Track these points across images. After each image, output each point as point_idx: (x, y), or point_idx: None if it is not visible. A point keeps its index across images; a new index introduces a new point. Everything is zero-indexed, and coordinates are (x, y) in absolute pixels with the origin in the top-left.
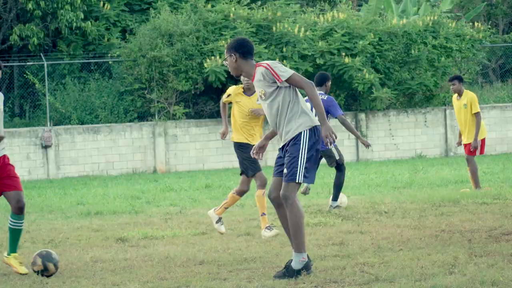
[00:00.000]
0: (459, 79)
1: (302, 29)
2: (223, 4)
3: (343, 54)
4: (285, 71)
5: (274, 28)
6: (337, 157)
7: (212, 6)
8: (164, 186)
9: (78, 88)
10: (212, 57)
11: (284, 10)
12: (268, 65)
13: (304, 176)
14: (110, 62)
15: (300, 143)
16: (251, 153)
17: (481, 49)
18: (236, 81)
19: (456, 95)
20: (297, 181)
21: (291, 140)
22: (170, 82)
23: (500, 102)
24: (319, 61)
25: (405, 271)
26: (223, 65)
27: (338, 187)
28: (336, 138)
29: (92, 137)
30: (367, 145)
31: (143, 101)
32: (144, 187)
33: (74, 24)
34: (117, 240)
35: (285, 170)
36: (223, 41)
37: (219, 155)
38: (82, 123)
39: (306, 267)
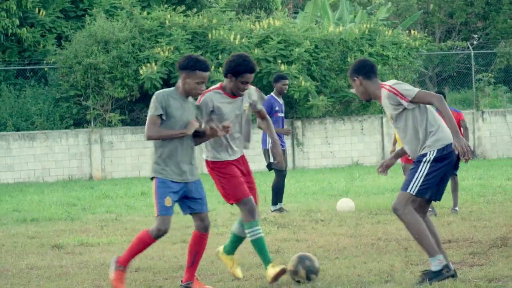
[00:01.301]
0: None
1: (238, 36)
2: (159, 11)
3: (279, 61)
4: (410, 89)
5: (209, 35)
6: (270, 160)
7: (148, 13)
8: (100, 193)
9: (13, 94)
10: (148, 64)
11: (219, 17)
12: (391, 87)
13: (419, 190)
14: (45, 69)
15: (424, 159)
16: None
17: (417, 57)
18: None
19: None
20: (409, 191)
21: (419, 156)
22: (106, 89)
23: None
24: None
25: (341, 280)
26: (158, 72)
27: (273, 191)
28: (472, 153)
29: (28, 143)
30: (287, 132)
31: (79, 108)
32: (80, 194)
33: (10, 31)
34: (53, 247)
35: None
36: (159, 48)
37: None
38: (18, 130)
39: (447, 267)
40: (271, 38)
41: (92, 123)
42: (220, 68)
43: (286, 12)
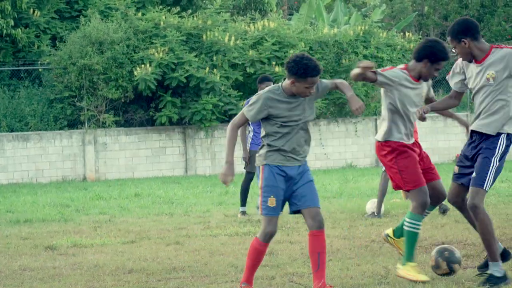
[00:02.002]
0: None
1: (233, 37)
2: (154, 12)
3: (274, 63)
4: None
5: (204, 37)
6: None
7: (143, 14)
8: (94, 194)
9: (7, 95)
10: (142, 65)
11: (214, 18)
12: None
13: (490, 186)
14: (40, 70)
15: (497, 147)
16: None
17: (412, 59)
18: (166, 90)
19: None
20: (484, 188)
21: (488, 136)
22: (100, 90)
23: (431, 112)
24: (250, 70)
25: (334, 282)
26: (153, 73)
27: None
28: None
29: (22, 144)
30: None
31: (73, 109)
32: (73, 195)
33: (4, 31)
34: (46, 248)
35: (474, 174)
36: (153, 49)
37: (149, 164)
38: (12, 131)
39: (505, 276)
40: (266, 40)
41: (86, 124)
42: (215, 70)
43: (280, 13)
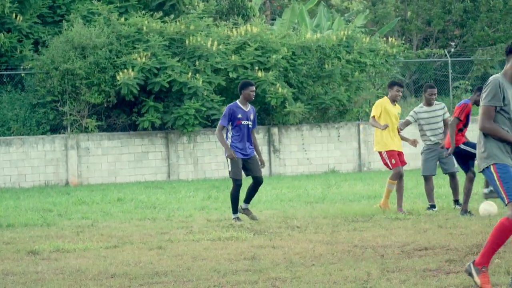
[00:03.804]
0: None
1: (215, 42)
2: (136, 17)
3: (256, 68)
4: None
5: (187, 42)
6: (229, 169)
7: (125, 19)
8: (76, 199)
9: None
10: (125, 70)
11: (197, 23)
12: None
13: None
14: (22, 75)
15: None
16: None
17: (395, 64)
18: (149, 95)
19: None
20: None
21: None
22: (83, 95)
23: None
24: (232, 75)
25: (317, 287)
26: (135, 78)
27: (230, 199)
28: None
29: (4, 149)
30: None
31: (56, 113)
32: (56, 199)
33: None
34: (29, 253)
35: None
36: (136, 54)
37: (131, 169)
38: None
39: None
40: (249, 45)
41: (69, 128)
42: (198, 75)
43: (263, 18)
